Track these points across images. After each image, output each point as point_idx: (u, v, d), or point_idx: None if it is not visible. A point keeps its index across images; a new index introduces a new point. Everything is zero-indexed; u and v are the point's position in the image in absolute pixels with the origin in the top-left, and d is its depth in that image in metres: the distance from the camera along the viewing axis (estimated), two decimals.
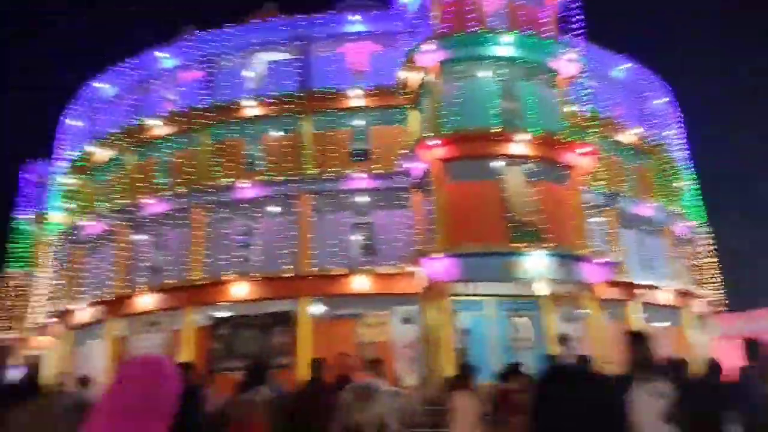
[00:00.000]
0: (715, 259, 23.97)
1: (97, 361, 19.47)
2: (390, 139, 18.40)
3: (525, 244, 14.63)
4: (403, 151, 16.99)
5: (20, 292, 29.05)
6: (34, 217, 29.65)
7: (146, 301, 18.65)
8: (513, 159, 15.60)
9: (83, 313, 20.72)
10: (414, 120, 18.47)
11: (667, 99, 24.19)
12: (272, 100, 19.30)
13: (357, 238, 18.49)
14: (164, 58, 22.09)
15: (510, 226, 15.06)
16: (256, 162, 19.91)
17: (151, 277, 19.39)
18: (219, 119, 19.82)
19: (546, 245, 14.76)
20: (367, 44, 20.07)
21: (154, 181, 20.89)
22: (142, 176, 21.11)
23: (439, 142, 15.56)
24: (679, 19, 65.88)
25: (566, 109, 16.92)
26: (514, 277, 14.56)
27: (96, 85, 24.19)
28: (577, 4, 17.84)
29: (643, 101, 23.32)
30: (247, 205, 18.62)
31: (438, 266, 14.72)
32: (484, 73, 16.56)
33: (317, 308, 17.45)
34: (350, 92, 18.80)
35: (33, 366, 26.02)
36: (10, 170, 32.24)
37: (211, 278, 17.79)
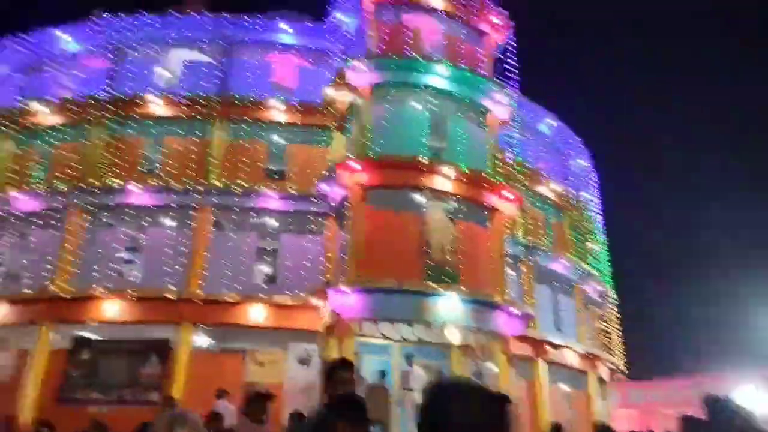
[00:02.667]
0: (620, 325, 24.17)
1: None
2: (309, 160, 16.97)
3: (440, 285, 13.50)
4: (322, 173, 15.56)
5: None
6: None
7: None
8: (437, 194, 14.64)
9: None
10: (338, 143, 17.21)
11: (587, 161, 24.72)
12: (183, 100, 17.37)
13: (259, 262, 16.60)
14: (66, 41, 19.61)
15: (426, 264, 13.93)
16: (155, 166, 17.71)
17: (6, 284, 16.34)
18: (118, 113, 17.56)
19: (461, 288, 13.72)
20: (295, 57, 18.79)
21: (29, 174, 18.01)
22: (17, 167, 18.18)
23: (362, 165, 14.35)
24: (602, 79, 70.17)
25: (493, 152, 16.38)
26: (425, 320, 13.31)
27: None
28: (513, 48, 17.74)
29: (564, 159, 23.61)
30: (135, 212, 16.31)
31: (344, 300, 13.22)
32: (416, 102, 15.73)
33: (201, 338, 15.24)
34: (271, 103, 17.29)
35: None
36: None
37: (78, 292, 15.13)
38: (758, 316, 25.99)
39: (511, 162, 18.27)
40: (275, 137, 17.78)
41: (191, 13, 18.63)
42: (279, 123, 17.52)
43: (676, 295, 43.84)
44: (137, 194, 16.25)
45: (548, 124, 22.66)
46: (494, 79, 16.81)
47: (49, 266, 15.86)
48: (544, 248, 19.43)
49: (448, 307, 13.49)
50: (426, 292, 13.35)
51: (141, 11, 18.76)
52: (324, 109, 17.11)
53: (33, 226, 16.89)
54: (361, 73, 15.44)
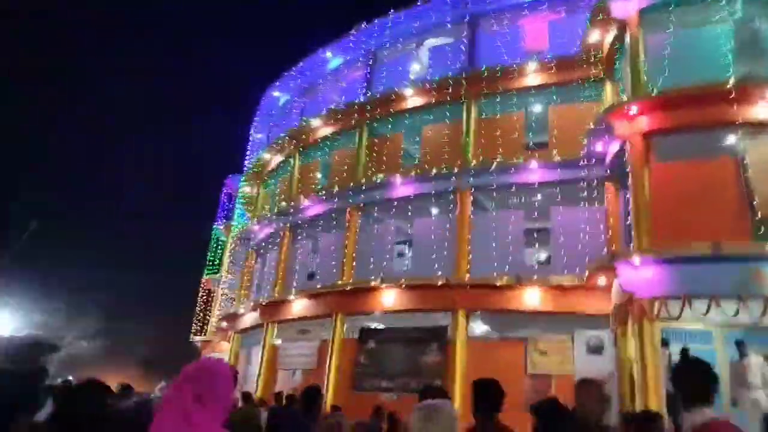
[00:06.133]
0: None
1: (254, 367, 18.81)
2: (574, 120, 14.64)
3: None
4: (590, 129, 13.16)
5: (209, 298, 30.96)
6: (224, 226, 31.61)
7: (298, 306, 17.46)
8: (756, 127, 10.86)
9: (246, 317, 20.48)
10: (608, 94, 14.57)
11: None
12: (433, 86, 16.98)
13: (528, 240, 14.96)
14: (331, 58, 21.42)
15: (754, 221, 10.35)
16: (414, 156, 17.77)
17: (305, 282, 18.23)
18: (376, 113, 18.19)
19: None
20: (545, 13, 16.69)
21: (315, 183, 20.04)
22: (304, 178, 20.47)
23: (641, 107, 11.54)
24: None
25: None
26: (761, 293, 9.78)
27: (272, 93, 24.71)
28: None
29: None
30: (400, 203, 16.44)
31: (638, 275, 10.62)
32: (708, 15, 12.11)
33: (477, 326, 14.33)
34: (522, 67, 15.59)
35: None
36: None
37: (360, 284, 15.83)
38: None
39: None
40: (532, 104, 16.02)
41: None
42: (533, 87, 15.71)
43: None
44: (400, 186, 16.40)
45: None
46: None
47: (336, 263, 17.09)
48: None
49: None
50: (759, 256, 9.84)
51: (390, 12, 19.16)
52: (584, 59, 14.68)
53: (321, 229, 18.57)
54: (626, 0, 12.63)
